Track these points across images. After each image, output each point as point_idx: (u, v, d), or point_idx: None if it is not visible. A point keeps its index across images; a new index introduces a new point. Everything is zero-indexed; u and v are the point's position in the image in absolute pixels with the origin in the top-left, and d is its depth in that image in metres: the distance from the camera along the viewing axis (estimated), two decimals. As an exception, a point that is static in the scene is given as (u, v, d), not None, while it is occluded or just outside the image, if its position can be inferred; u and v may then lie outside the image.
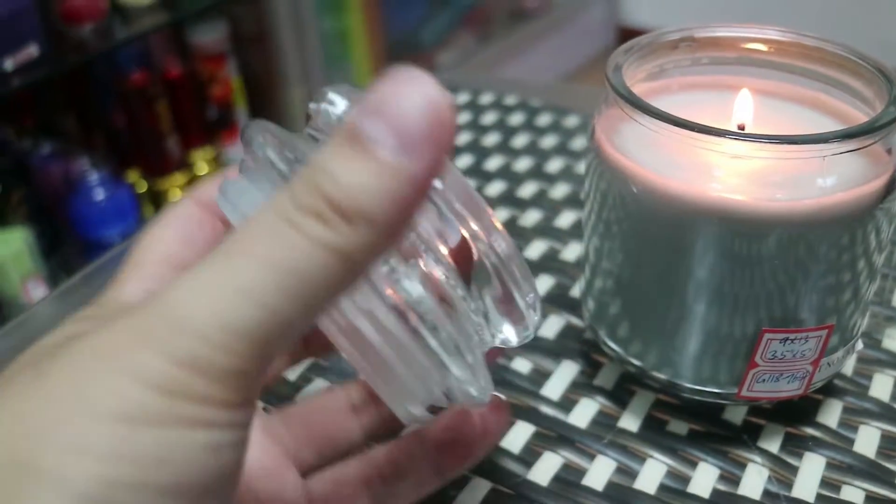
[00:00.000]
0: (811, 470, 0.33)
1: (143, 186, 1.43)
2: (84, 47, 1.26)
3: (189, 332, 0.18)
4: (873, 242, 0.30)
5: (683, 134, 0.29)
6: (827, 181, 0.29)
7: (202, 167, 1.47)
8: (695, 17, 0.39)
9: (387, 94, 0.19)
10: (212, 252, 0.19)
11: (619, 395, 0.37)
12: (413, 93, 0.19)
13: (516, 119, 0.61)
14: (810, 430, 0.35)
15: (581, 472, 0.33)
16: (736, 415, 0.35)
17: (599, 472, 0.33)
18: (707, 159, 0.30)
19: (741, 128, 0.33)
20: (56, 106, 1.35)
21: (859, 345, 0.35)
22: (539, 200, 0.51)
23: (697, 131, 0.28)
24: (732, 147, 0.29)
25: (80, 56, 1.27)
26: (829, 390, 0.37)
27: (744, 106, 0.33)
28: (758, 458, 0.34)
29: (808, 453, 0.34)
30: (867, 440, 0.35)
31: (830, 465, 0.33)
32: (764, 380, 0.32)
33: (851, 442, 0.34)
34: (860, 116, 0.33)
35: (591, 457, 0.34)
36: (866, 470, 0.33)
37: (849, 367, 0.38)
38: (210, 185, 0.27)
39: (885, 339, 0.40)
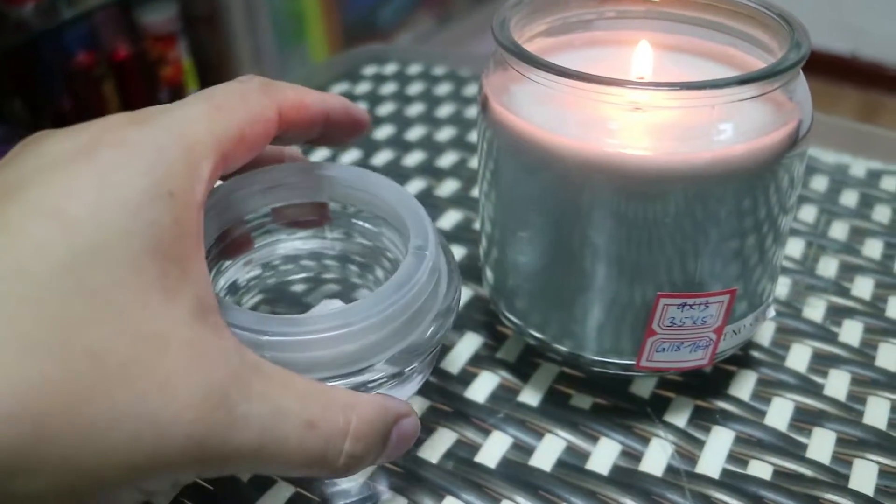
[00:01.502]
0: (718, 444, 0.31)
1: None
2: (26, 27, 1.22)
3: None
4: (775, 200, 0.29)
5: (570, 85, 0.27)
6: (725, 132, 0.27)
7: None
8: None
9: None
10: None
11: (522, 368, 0.35)
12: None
13: (443, 89, 0.59)
14: (720, 403, 0.33)
15: (475, 449, 0.31)
16: (644, 388, 0.34)
17: (494, 449, 0.31)
18: (602, 114, 0.28)
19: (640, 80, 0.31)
20: (1, 89, 1.31)
21: (770, 312, 0.33)
22: (457, 170, 0.49)
23: (580, 79, 0.26)
24: (622, 96, 0.27)
25: (22, 36, 1.23)
26: (743, 361, 0.35)
27: (643, 59, 0.31)
28: (662, 433, 0.32)
29: (716, 427, 0.32)
30: (779, 413, 0.33)
31: (739, 439, 0.32)
32: (664, 349, 0.30)
33: (763, 415, 0.33)
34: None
35: (487, 432, 0.32)
36: (776, 444, 0.31)
37: (766, 337, 0.36)
38: (292, 94, 0.27)
39: (806, 308, 0.38)
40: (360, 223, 0.33)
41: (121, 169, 0.22)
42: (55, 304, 0.20)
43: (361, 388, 0.26)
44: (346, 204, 0.32)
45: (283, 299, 0.35)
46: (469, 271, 0.40)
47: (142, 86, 1.41)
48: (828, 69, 2.11)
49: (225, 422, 0.21)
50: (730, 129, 0.27)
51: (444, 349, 0.35)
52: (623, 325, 0.30)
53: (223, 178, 0.30)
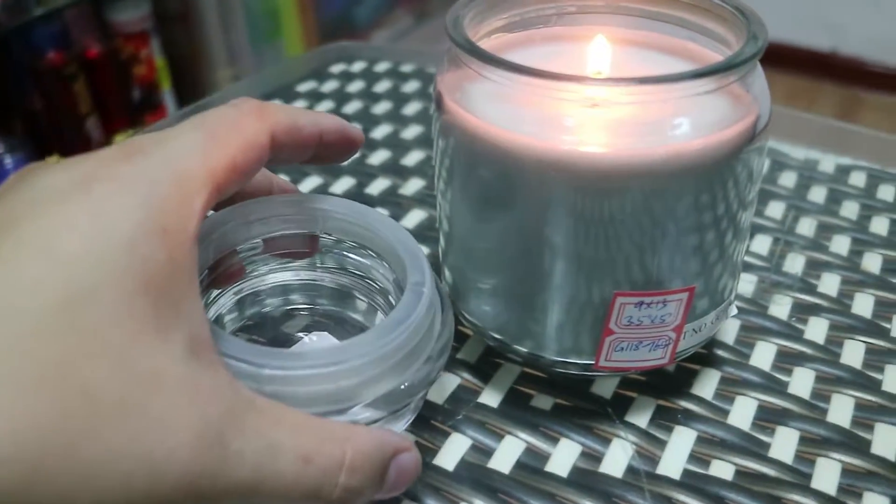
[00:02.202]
0: (680, 445, 0.31)
1: (63, 170, 1.38)
2: (-6, 25, 1.21)
3: None
4: (734, 195, 0.28)
5: (524, 82, 0.27)
6: (681, 126, 0.27)
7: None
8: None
9: None
10: None
11: (483, 368, 0.34)
12: None
13: (411, 87, 0.58)
14: (683, 403, 0.33)
15: (433, 451, 0.31)
16: (605, 388, 0.33)
17: (452, 451, 0.31)
18: (558, 111, 0.28)
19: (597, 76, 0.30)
20: (-30, 88, 1.29)
21: (732, 310, 0.33)
22: (423, 168, 0.48)
23: (534, 76, 0.26)
24: (577, 93, 0.26)
25: (-10, 34, 1.22)
26: (707, 360, 0.35)
27: (600, 54, 0.31)
28: (623, 433, 0.31)
29: (678, 427, 0.32)
30: (743, 412, 0.32)
31: (701, 439, 0.31)
32: (622, 348, 0.29)
33: (726, 414, 0.32)
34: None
35: (445, 434, 0.31)
36: (739, 443, 0.31)
37: (730, 335, 0.36)
38: (285, 118, 0.27)
39: (772, 306, 0.38)
40: (352, 256, 0.33)
41: (115, 205, 0.22)
42: (49, 342, 0.20)
43: (357, 422, 0.26)
44: (340, 237, 0.32)
45: (271, 330, 0.35)
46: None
47: (114, 85, 1.40)
48: (808, 65, 2.12)
49: (219, 459, 0.21)
50: (686, 124, 0.26)
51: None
52: (582, 324, 0.30)
53: (215, 207, 0.29)
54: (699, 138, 0.26)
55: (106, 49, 1.37)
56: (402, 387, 0.26)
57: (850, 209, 0.44)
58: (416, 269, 0.28)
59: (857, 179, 0.47)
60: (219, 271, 0.32)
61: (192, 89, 1.48)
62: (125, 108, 1.43)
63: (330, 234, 0.32)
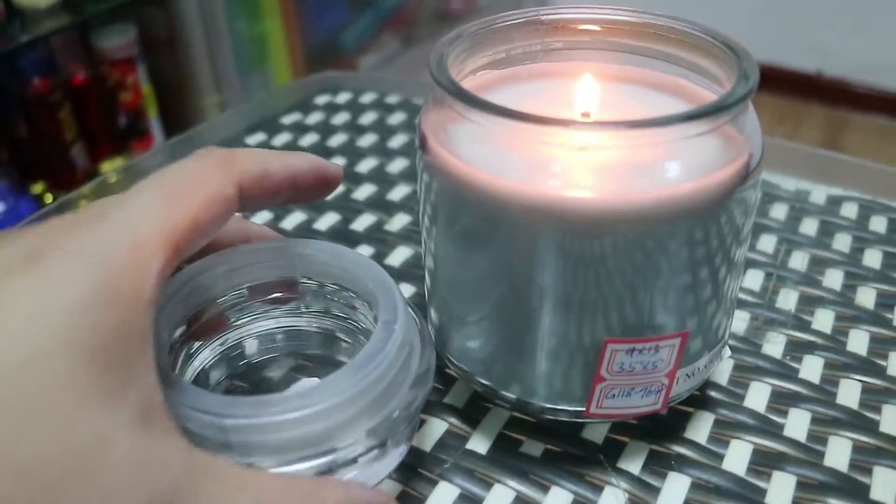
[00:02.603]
0: (673, 492, 0.30)
1: (48, 198, 1.36)
2: (-22, 53, 1.20)
3: None
4: (729, 236, 0.27)
5: (510, 126, 0.26)
6: (672, 170, 0.26)
7: (112, 177, 1.41)
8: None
9: None
10: None
11: (471, 413, 0.33)
12: None
13: (396, 118, 0.57)
14: (676, 448, 0.32)
15: (420, 501, 0.30)
16: (597, 433, 0.32)
17: (440, 500, 0.30)
18: (545, 154, 0.27)
19: (585, 117, 0.30)
20: (-45, 115, 1.28)
21: (726, 351, 0.32)
22: (409, 203, 0.48)
23: (520, 119, 0.25)
24: (564, 136, 0.26)
25: (-25, 62, 1.21)
26: (700, 402, 0.34)
27: (588, 92, 0.30)
28: (615, 480, 0.30)
29: (672, 473, 0.31)
30: (738, 456, 0.32)
31: (696, 486, 0.30)
32: (614, 395, 0.29)
33: (721, 458, 0.31)
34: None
35: (433, 483, 0.30)
36: (734, 489, 0.30)
37: (723, 375, 0.35)
38: (254, 167, 0.26)
39: (766, 345, 0.37)
40: (334, 298, 0.32)
41: (62, 276, 0.21)
42: None
43: (337, 466, 0.25)
44: (320, 280, 0.31)
45: (259, 380, 0.34)
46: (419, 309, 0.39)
47: (100, 111, 1.39)
48: (794, 87, 2.13)
49: None
50: (677, 167, 0.26)
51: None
52: (572, 370, 0.29)
53: (190, 260, 0.29)
54: (690, 181, 0.25)
55: (92, 75, 1.37)
56: (381, 421, 0.26)
57: (842, 241, 0.44)
58: (388, 306, 0.28)
59: (849, 210, 0.46)
60: (199, 323, 0.31)
61: (179, 116, 1.48)
62: (111, 135, 1.42)
63: (310, 278, 0.31)
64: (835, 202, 0.47)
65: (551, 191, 0.25)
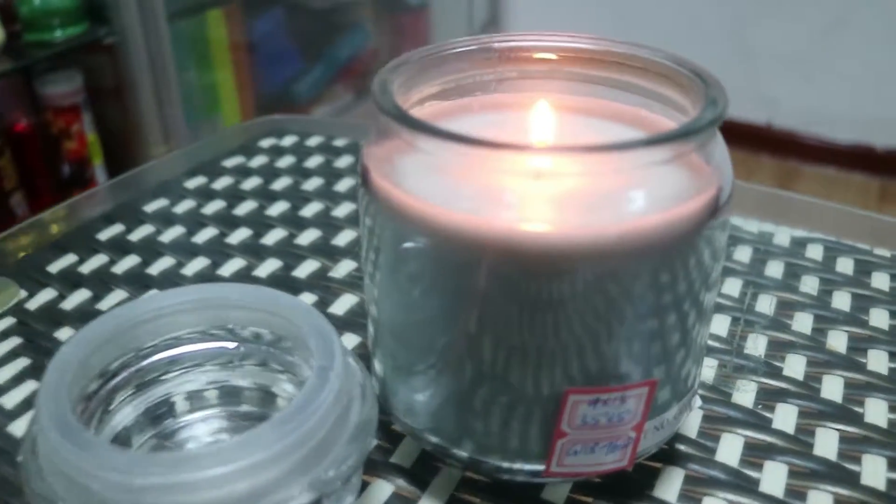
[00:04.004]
0: (643, 558, 0.27)
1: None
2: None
3: None
4: (697, 276, 0.25)
5: (459, 153, 0.23)
6: (636, 201, 0.24)
7: (53, 227, 1.37)
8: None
9: None
10: None
11: (420, 474, 0.30)
12: None
13: (343, 162, 0.55)
14: (645, 507, 0.29)
15: (363, 576, 0.27)
16: (557, 493, 0.29)
17: (385, 575, 0.27)
18: (498, 184, 0.24)
19: (541, 146, 0.27)
20: None
21: (696, 401, 0.29)
22: (355, 249, 0.45)
23: (469, 145, 0.23)
24: (518, 162, 0.23)
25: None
26: (668, 456, 0.31)
27: (543, 124, 0.28)
28: (579, 547, 0.28)
29: (640, 536, 0.28)
30: (711, 516, 0.29)
31: (667, 550, 0.28)
32: (576, 451, 0.26)
33: (693, 519, 0.29)
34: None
35: (378, 555, 0.27)
36: (709, 554, 0.28)
37: (693, 427, 0.33)
38: None
39: (736, 393, 0.34)
40: (272, 350, 0.29)
41: None
42: None
43: None
44: (251, 328, 0.29)
45: (187, 440, 0.31)
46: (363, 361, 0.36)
47: (42, 160, 1.35)
48: (745, 139, 2.14)
49: None
50: (641, 198, 0.24)
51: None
52: (529, 425, 0.26)
53: None
54: (656, 213, 0.23)
55: (35, 123, 1.33)
56: (315, 478, 0.23)
57: (809, 284, 0.42)
58: (325, 352, 0.25)
59: (815, 252, 0.44)
60: (119, 378, 0.28)
61: (126, 165, 1.44)
62: (53, 185, 1.38)
63: (244, 327, 0.29)
64: (799, 244, 0.45)
65: (505, 223, 0.23)
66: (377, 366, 0.30)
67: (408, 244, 0.25)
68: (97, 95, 1.40)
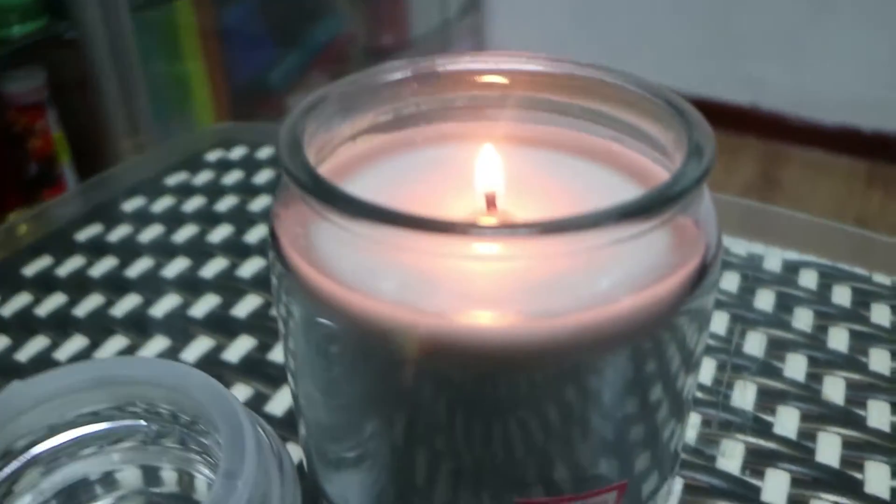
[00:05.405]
0: None
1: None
2: None
3: None
4: (675, 363, 0.21)
5: (382, 232, 0.19)
6: (604, 283, 0.19)
7: (21, 228, 1.32)
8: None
9: None
10: None
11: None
12: None
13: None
14: None
15: None
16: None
17: None
18: (433, 266, 0.20)
19: (490, 198, 0.23)
20: None
21: (677, 483, 0.25)
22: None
23: (387, 223, 0.18)
24: (454, 247, 0.19)
25: None
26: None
27: (493, 165, 0.24)
28: None
29: None
30: None
31: None
32: (534, 565, 0.22)
33: None
34: (659, 172, 0.24)
35: None
36: None
37: (671, 502, 0.29)
38: None
39: (721, 458, 0.31)
40: (189, 430, 0.25)
41: None
42: None
43: None
44: (160, 407, 0.25)
45: None
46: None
47: (6, 160, 1.30)
48: (730, 120, 2.10)
49: None
50: (609, 278, 0.19)
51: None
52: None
53: None
54: (629, 295, 0.19)
55: (-4, 122, 1.28)
56: None
57: (803, 319, 0.38)
58: (235, 453, 0.21)
59: (808, 279, 0.40)
60: (20, 463, 0.24)
61: (94, 162, 1.39)
62: (19, 185, 1.33)
63: (154, 405, 0.25)
64: (791, 269, 0.41)
65: (442, 316, 0.19)
66: (306, 467, 0.26)
67: (323, 333, 0.20)
68: (62, 92, 1.35)
